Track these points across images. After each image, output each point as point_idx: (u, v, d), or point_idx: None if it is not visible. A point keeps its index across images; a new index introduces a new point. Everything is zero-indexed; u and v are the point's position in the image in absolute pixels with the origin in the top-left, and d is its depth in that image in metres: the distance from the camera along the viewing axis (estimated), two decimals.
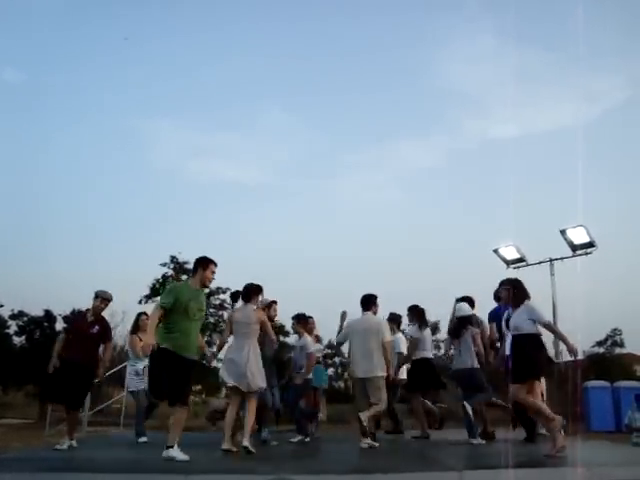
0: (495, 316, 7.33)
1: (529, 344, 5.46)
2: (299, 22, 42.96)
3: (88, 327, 6.55)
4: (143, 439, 7.41)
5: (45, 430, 11.61)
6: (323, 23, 42.95)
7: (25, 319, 24.12)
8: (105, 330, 6.71)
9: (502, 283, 6.39)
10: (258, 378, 5.96)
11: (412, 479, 4.34)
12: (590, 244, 13.55)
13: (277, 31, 44.34)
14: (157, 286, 29.09)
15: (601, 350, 30.12)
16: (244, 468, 4.82)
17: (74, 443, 6.45)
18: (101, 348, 6.70)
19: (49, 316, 23.96)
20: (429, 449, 6.46)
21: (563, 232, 13.52)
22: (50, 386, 6.72)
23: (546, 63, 41.69)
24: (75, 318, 7.15)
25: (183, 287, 5.58)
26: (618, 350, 31.02)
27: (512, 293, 5.75)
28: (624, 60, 41.54)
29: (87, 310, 6.77)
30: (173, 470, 4.53)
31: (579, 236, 13.50)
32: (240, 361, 5.91)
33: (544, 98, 42.29)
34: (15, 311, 24.14)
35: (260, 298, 6.64)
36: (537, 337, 5.53)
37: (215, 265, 5.68)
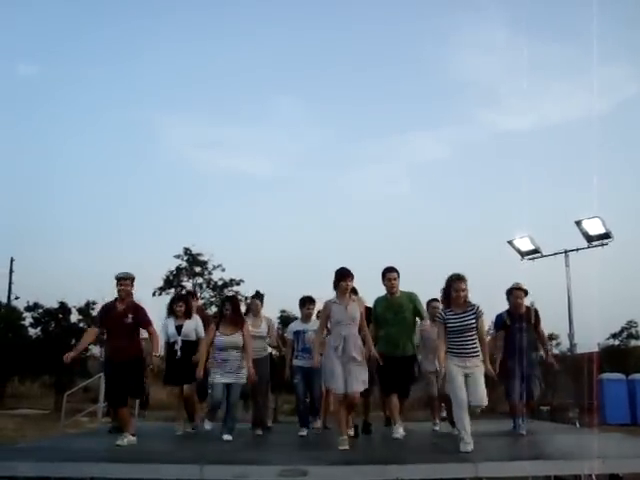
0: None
1: None
2: (308, 14, 42.81)
3: (121, 317, 5.81)
4: (227, 437, 6.13)
5: (61, 420, 11.74)
6: (333, 14, 42.77)
7: (40, 311, 24.35)
8: (140, 316, 5.91)
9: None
10: None
11: (428, 471, 4.32)
12: (606, 235, 13.41)
13: (286, 23, 44.20)
14: (171, 278, 29.19)
15: (616, 342, 29.86)
16: (259, 459, 4.83)
17: (128, 439, 5.68)
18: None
19: (64, 308, 24.17)
20: (440, 439, 6.42)
21: (579, 223, 13.39)
22: (107, 391, 6.26)
23: (560, 54, 41.19)
24: (105, 309, 6.07)
25: None
26: (633, 342, 30.72)
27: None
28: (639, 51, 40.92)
29: (115, 300, 5.96)
30: (189, 461, 4.55)
31: (595, 227, 13.36)
32: None
33: (558, 89, 41.82)
34: (30, 303, 24.43)
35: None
36: None
37: None
